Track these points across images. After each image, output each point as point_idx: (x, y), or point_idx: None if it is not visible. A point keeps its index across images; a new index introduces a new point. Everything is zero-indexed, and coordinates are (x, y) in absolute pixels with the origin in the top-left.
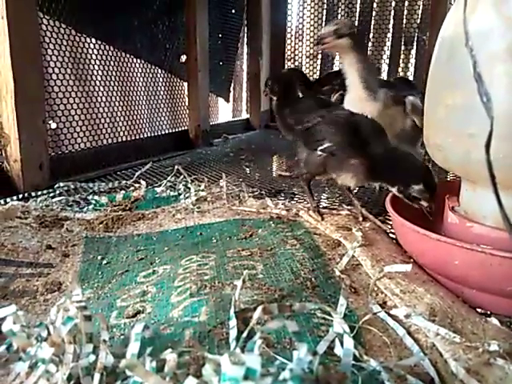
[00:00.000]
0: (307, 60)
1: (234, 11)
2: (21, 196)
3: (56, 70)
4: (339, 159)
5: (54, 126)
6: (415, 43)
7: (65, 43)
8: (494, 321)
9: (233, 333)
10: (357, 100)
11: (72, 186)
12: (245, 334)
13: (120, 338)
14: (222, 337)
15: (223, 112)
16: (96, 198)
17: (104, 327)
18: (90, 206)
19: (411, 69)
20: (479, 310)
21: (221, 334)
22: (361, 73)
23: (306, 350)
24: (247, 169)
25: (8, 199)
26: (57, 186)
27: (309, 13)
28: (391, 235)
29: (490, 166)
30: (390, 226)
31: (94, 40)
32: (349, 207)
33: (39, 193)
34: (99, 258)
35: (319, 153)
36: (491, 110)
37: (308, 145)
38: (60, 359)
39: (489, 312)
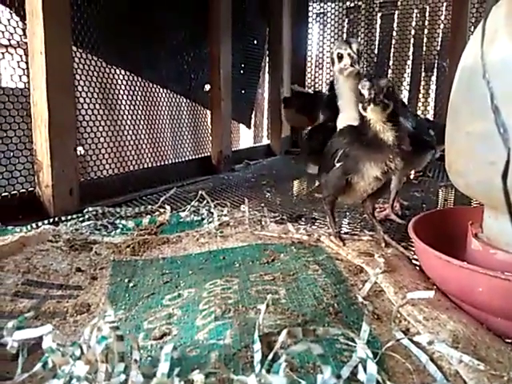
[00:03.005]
0: (327, 88)
1: (256, 42)
2: (52, 220)
3: (87, 100)
4: (355, 157)
5: (83, 152)
6: (435, 70)
7: (96, 74)
8: None
9: (257, 356)
10: (350, 120)
11: (100, 211)
12: (270, 357)
13: (147, 359)
14: (246, 360)
15: (245, 138)
16: (123, 222)
17: (135, 347)
18: (118, 230)
19: (432, 95)
20: (508, 340)
21: (245, 357)
22: (357, 95)
23: (330, 373)
24: (268, 194)
25: (40, 223)
26: (86, 210)
27: (328, 42)
28: (414, 261)
29: (507, 196)
30: (412, 253)
31: (122, 71)
32: (371, 233)
33: (69, 217)
34: (126, 280)
35: (337, 165)
36: (508, 141)
37: (327, 167)
38: (93, 377)
39: None
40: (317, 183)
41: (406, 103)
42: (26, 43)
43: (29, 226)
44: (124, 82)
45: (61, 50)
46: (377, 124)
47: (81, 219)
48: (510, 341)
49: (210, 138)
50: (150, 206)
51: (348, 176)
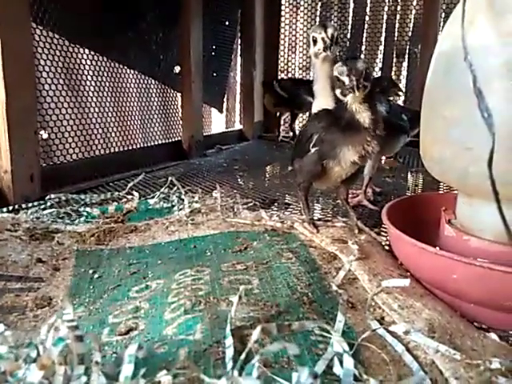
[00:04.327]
0: (300, 72)
1: (227, 23)
2: (11, 208)
3: (48, 81)
4: (332, 141)
5: (45, 136)
6: (407, 56)
7: (58, 53)
8: (493, 336)
9: (229, 352)
10: (326, 106)
11: (63, 198)
12: (243, 356)
13: (112, 356)
14: (218, 356)
15: (216, 123)
16: (88, 209)
17: (96, 347)
18: (82, 218)
19: (403, 81)
20: (477, 324)
21: (217, 353)
22: (333, 81)
23: (308, 373)
24: (241, 179)
25: None
26: (48, 197)
27: (301, 25)
28: (387, 248)
29: (493, 182)
30: (385, 239)
31: (87, 51)
32: (344, 219)
33: (30, 205)
34: (90, 271)
35: (312, 150)
36: (492, 126)
37: (301, 152)
38: (50, 382)
39: (486, 327)
40: (290, 169)
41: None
42: None
43: None
44: (89, 63)
45: (18, 27)
46: (353, 105)
47: (42, 207)
48: (482, 326)
49: (181, 121)
50: (116, 193)
51: (323, 161)
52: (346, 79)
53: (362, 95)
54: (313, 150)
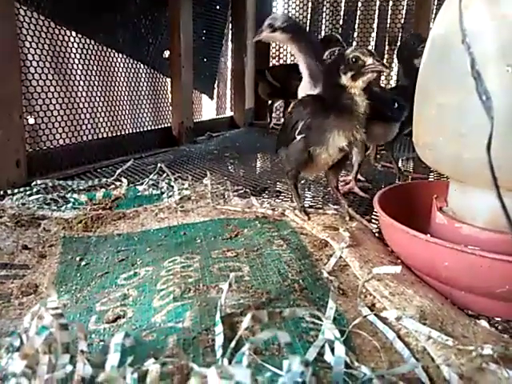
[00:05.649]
0: (292, 58)
1: (218, 7)
2: None
3: (34, 64)
4: (320, 127)
5: (31, 121)
6: (399, 43)
7: (44, 36)
8: (484, 323)
9: (219, 340)
10: (304, 87)
11: (50, 184)
12: (233, 344)
13: (99, 344)
14: (207, 344)
15: (207, 109)
16: (75, 196)
17: (82, 336)
18: (69, 205)
19: (395, 68)
20: (468, 311)
21: (206, 340)
22: (305, 62)
23: (299, 362)
24: (231, 166)
25: None
26: (34, 183)
27: (294, 11)
28: (378, 235)
29: (492, 168)
30: (376, 226)
31: (74, 33)
32: (335, 206)
33: (15, 190)
34: (77, 259)
35: (298, 137)
36: (491, 109)
37: (286, 141)
38: (33, 371)
39: (477, 314)
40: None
41: None
42: None
43: None
44: (77, 46)
45: (0, 6)
46: (355, 90)
47: (28, 193)
48: (472, 313)
49: (171, 108)
50: (104, 179)
51: (310, 148)
52: (369, 60)
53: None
54: (298, 138)
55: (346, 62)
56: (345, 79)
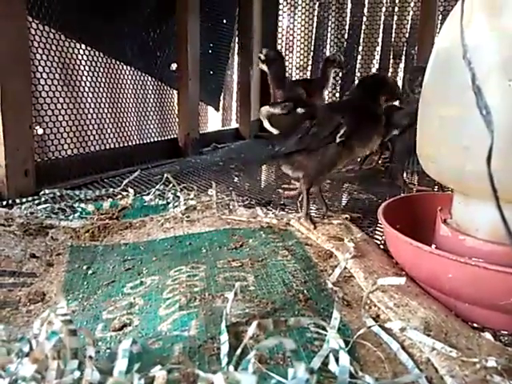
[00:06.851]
0: (297, 71)
1: (225, 21)
2: (5, 203)
3: (44, 75)
4: (363, 132)
5: (40, 131)
6: (404, 57)
7: (54, 48)
8: (488, 335)
9: (224, 348)
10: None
11: (58, 193)
12: (238, 352)
13: (106, 352)
14: (212, 352)
15: (213, 121)
16: (82, 205)
17: (90, 342)
18: (76, 214)
19: (400, 82)
20: (472, 324)
21: (212, 349)
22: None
23: (304, 369)
24: (237, 178)
25: None
26: (42, 192)
27: (299, 25)
28: (382, 246)
29: (491, 180)
30: (380, 237)
31: (83, 46)
32: (341, 216)
33: (24, 200)
34: (85, 267)
35: (338, 140)
36: (491, 123)
37: (311, 145)
38: (42, 376)
39: (481, 326)
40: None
41: None
42: None
43: None
44: (85, 58)
45: (13, 19)
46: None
47: (37, 202)
48: (477, 326)
49: (177, 119)
50: (111, 189)
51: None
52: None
53: None
54: (339, 140)
55: (387, 87)
56: (381, 99)
